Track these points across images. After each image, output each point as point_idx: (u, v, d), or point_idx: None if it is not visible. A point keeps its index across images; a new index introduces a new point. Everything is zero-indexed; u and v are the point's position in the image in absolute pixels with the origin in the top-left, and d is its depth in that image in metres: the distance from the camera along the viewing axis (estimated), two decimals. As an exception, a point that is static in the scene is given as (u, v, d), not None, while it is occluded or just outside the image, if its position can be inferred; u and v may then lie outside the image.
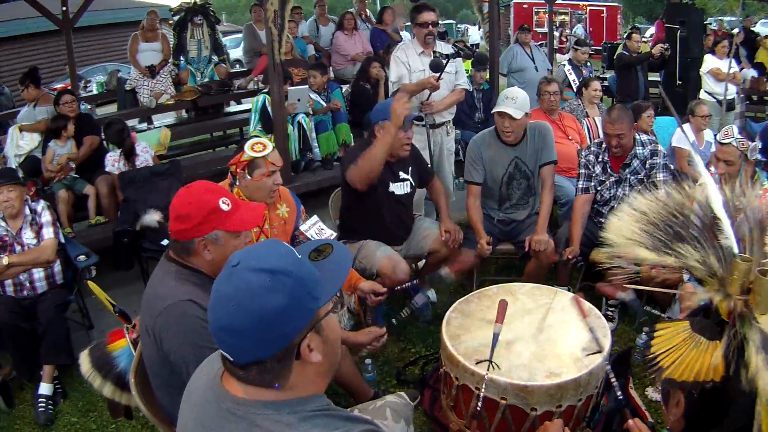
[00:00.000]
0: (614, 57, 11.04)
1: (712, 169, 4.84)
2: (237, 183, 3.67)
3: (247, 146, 3.61)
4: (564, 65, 9.93)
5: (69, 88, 8.94)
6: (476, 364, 3.04)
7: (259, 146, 3.60)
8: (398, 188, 4.73)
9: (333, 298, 1.60)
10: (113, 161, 6.60)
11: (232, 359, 1.52)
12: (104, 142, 7.17)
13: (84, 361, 3.14)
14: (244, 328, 1.46)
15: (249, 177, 3.60)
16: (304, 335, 1.51)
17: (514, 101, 4.75)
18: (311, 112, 7.74)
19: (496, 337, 3.03)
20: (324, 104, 7.97)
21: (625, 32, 18.99)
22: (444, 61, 5.49)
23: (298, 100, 7.44)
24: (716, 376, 1.79)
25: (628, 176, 4.78)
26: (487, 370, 2.94)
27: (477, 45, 21.28)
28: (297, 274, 1.50)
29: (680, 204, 2.09)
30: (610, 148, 4.77)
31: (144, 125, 9.94)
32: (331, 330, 1.62)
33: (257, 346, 1.48)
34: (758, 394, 1.68)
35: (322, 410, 1.57)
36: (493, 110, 4.84)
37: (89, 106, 8.89)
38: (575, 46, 10.24)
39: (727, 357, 1.78)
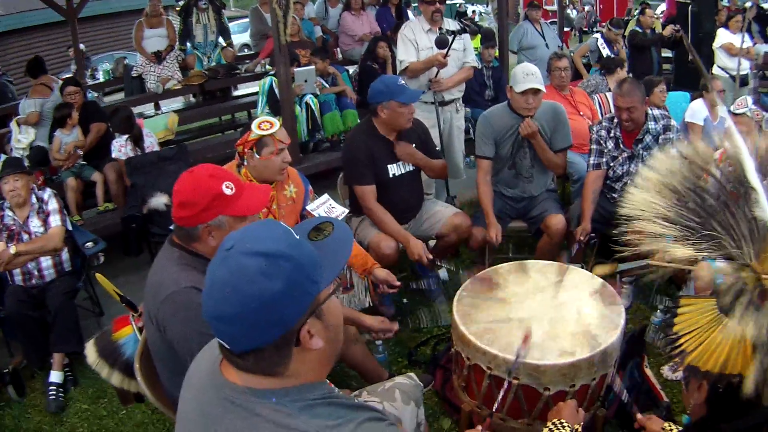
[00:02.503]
0: (626, 33, 10.91)
1: (727, 144, 4.76)
2: (245, 163, 3.63)
3: (254, 125, 3.57)
4: (597, 38, 9.85)
5: (74, 76, 8.91)
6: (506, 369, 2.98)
7: (266, 124, 3.56)
8: (398, 168, 4.68)
9: (334, 281, 1.53)
10: (119, 147, 6.58)
11: (229, 347, 1.46)
12: (111, 129, 7.14)
13: (90, 351, 3.11)
14: (240, 315, 1.39)
15: (257, 156, 3.55)
16: (304, 321, 1.44)
17: (534, 76, 4.70)
18: (319, 92, 7.68)
19: (518, 357, 2.95)
20: (327, 85, 7.93)
21: (636, 8, 18.80)
22: (450, 38, 5.42)
23: (305, 81, 7.39)
24: (744, 370, 1.70)
25: (641, 152, 4.70)
26: (509, 376, 2.88)
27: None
28: (295, 257, 1.43)
29: (704, 161, 2.00)
30: (621, 122, 4.70)
31: (152, 111, 9.92)
32: (333, 315, 1.55)
33: (254, 333, 1.41)
34: None
35: (324, 398, 1.51)
36: (517, 90, 4.72)
37: (96, 94, 8.88)
38: (610, 27, 10.18)
39: (760, 358, 1.69)
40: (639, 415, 2.22)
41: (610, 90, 7.15)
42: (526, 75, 4.71)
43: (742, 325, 1.74)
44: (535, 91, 4.69)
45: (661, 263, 2.06)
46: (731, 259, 1.85)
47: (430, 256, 4.47)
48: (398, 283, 3.81)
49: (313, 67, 7.69)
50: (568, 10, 21.91)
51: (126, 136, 6.59)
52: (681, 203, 1.98)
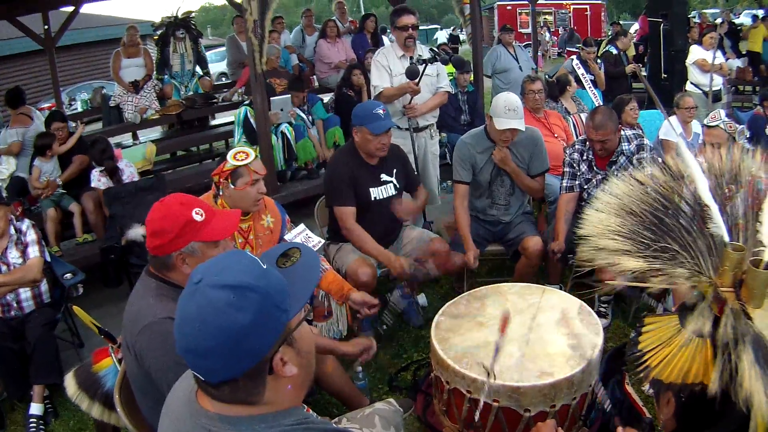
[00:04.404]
0: (600, 54, 11.05)
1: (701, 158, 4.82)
2: (221, 193, 3.64)
3: (229, 155, 3.60)
4: (572, 59, 9.93)
5: (54, 108, 8.91)
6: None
7: (241, 155, 3.58)
8: (380, 192, 4.68)
9: (305, 307, 1.55)
10: (98, 176, 6.56)
11: (203, 379, 1.48)
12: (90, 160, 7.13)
13: (70, 383, 3.10)
14: (211, 348, 1.41)
15: (232, 186, 3.58)
16: (276, 349, 1.46)
17: (516, 112, 4.68)
18: (294, 121, 7.71)
19: (498, 349, 2.97)
20: (304, 116, 7.95)
21: (608, 30, 19.03)
22: (421, 67, 5.45)
23: (281, 109, 7.41)
24: (706, 379, 1.73)
25: (615, 173, 4.73)
26: (487, 378, 2.90)
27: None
28: (262, 288, 1.44)
29: (665, 187, 2.04)
30: (595, 150, 4.74)
31: (130, 141, 9.91)
32: (305, 341, 1.56)
33: (227, 365, 1.43)
34: (753, 412, 1.62)
35: (300, 423, 1.53)
36: (498, 127, 4.71)
37: (73, 124, 8.87)
38: (582, 46, 10.28)
39: (721, 359, 1.72)
40: (620, 428, 2.24)
41: (567, 111, 7.24)
42: (508, 111, 4.68)
43: (697, 330, 1.78)
44: (519, 130, 4.73)
45: (645, 284, 2.09)
46: (687, 273, 1.89)
47: (414, 264, 4.48)
48: (376, 302, 3.82)
49: (288, 96, 7.72)
50: (546, 34, 22.17)
51: (101, 168, 6.59)
52: (636, 221, 2.02)
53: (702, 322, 1.77)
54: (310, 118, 8.10)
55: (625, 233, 2.02)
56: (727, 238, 1.81)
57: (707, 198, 1.86)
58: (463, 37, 28.41)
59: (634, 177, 2.15)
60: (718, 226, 1.83)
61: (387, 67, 5.79)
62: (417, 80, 5.47)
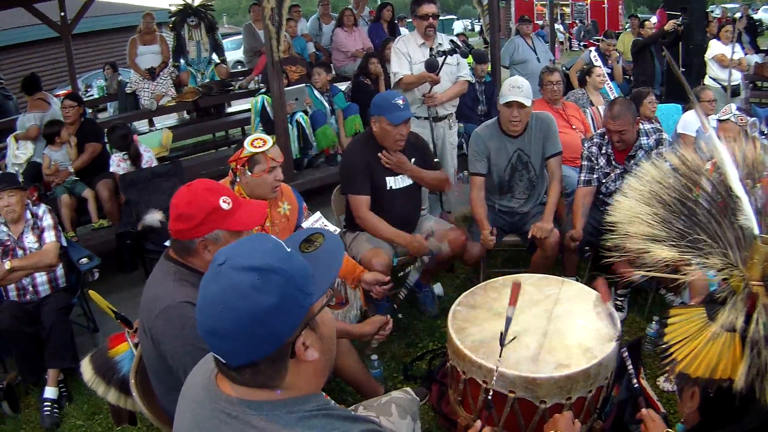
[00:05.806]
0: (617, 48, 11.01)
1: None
2: (238, 180, 3.63)
3: (246, 142, 3.58)
4: (591, 51, 9.88)
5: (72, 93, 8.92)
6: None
7: (258, 142, 3.57)
8: (396, 182, 4.67)
9: (327, 292, 1.53)
10: (118, 161, 6.60)
11: (224, 361, 1.47)
12: (107, 147, 7.14)
13: (86, 368, 3.10)
14: (234, 330, 1.39)
15: (249, 173, 3.56)
16: (299, 333, 1.45)
17: (521, 89, 4.70)
18: (309, 111, 7.69)
19: (509, 320, 2.96)
20: (326, 104, 7.94)
21: (626, 23, 18.90)
22: (440, 59, 5.46)
23: (296, 99, 7.41)
24: (734, 375, 1.70)
25: (634, 167, 4.69)
26: (499, 356, 2.88)
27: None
28: (286, 271, 1.43)
29: (694, 172, 2.01)
30: (613, 142, 4.71)
31: (146, 127, 9.93)
32: (326, 326, 1.55)
33: (248, 348, 1.42)
34: None
35: (320, 409, 1.51)
36: (501, 102, 4.76)
37: (90, 110, 8.89)
38: (603, 38, 10.26)
39: (750, 355, 1.69)
40: (644, 410, 2.22)
41: (591, 102, 7.19)
42: (512, 88, 4.73)
43: (729, 324, 1.75)
44: (521, 105, 4.71)
45: (659, 274, 2.07)
46: (718, 265, 1.86)
47: (434, 241, 4.47)
48: (387, 278, 3.84)
49: (302, 85, 7.72)
50: (556, 25, 22.05)
51: (124, 152, 6.61)
52: (667, 211, 2.00)
53: (734, 316, 1.74)
54: (331, 108, 8.08)
55: (656, 221, 1.99)
56: (757, 231, 1.78)
57: (738, 189, 1.83)
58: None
59: (666, 159, 2.12)
60: (748, 218, 1.80)
61: (407, 55, 5.80)
62: (437, 72, 5.46)
